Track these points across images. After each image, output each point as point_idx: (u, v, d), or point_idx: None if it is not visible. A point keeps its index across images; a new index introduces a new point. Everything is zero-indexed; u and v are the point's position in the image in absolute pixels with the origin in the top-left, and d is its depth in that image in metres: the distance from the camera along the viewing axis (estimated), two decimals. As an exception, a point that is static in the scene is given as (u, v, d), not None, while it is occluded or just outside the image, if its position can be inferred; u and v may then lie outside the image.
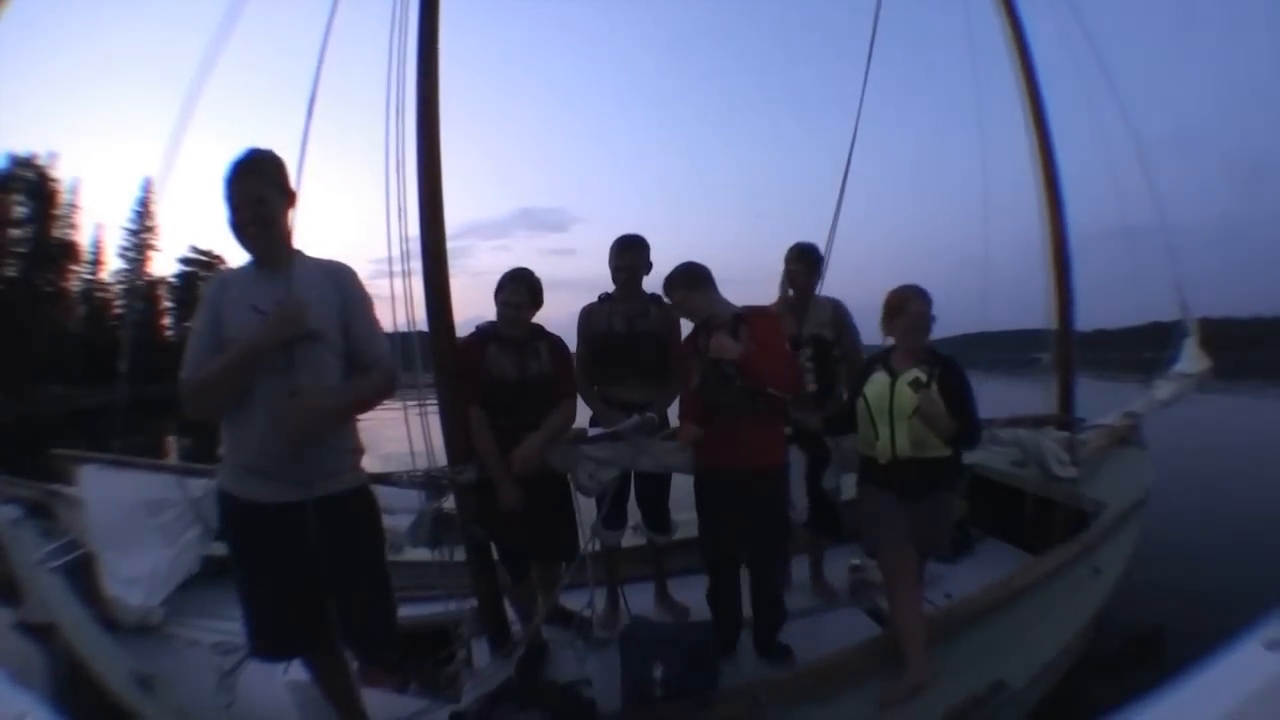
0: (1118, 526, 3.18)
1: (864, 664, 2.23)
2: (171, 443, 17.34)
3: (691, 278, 2.56)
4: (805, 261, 3.11)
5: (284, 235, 1.72)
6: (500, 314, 2.54)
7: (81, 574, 2.34)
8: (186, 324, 56.52)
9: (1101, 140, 4.15)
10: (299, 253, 1.76)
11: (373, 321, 1.81)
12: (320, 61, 1.90)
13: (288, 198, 1.73)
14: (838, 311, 3.15)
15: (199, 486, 2.55)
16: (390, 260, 2.31)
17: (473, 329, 2.64)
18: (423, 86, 2.40)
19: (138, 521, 2.47)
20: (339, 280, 1.76)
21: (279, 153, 1.74)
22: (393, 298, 2.23)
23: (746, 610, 2.69)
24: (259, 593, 1.74)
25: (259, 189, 1.66)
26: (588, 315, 2.91)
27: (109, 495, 2.46)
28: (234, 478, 1.70)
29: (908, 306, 2.48)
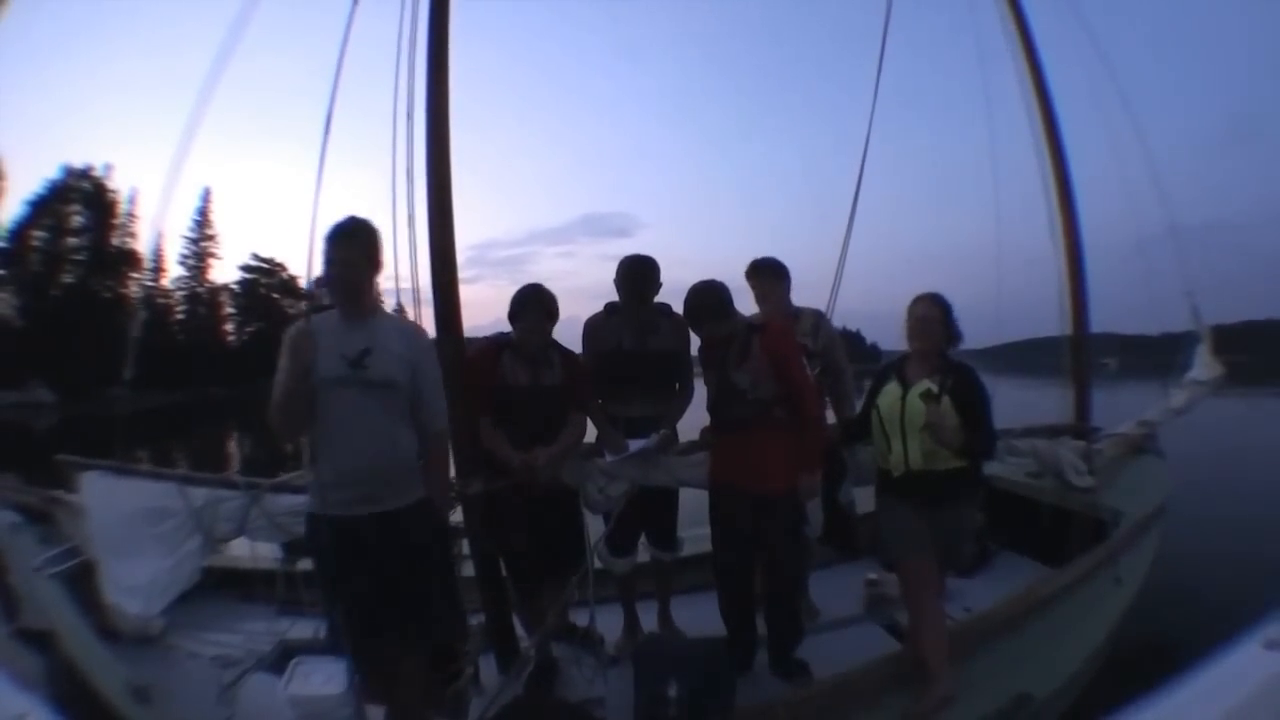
0: (1138, 535, 3.20)
1: (882, 680, 2.26)
2: (232, 443, 18.12)
3: (722, 307, 2.56)
4: (757, 276, 3.08)
5: (366, 294, 2.09)
6: (523, 339, 2.59)
7: (81, 581, 2.39)
8: (249, 329, 55.88)
9: (1119, 146, 4.19)
10: (380, 309, 2.14)
11: (436, 376, 2.18)
12: (336, 81, 2.04)
13: (374, 265, 2.08)
14: (818, 321, 3.14)
15: (200, 496, 2.60)
16: (396, 265, 2.42)
17: (485, 339, 2.69)
18: (433, 87, 2.47)
19: (138, 530, 2.51)
20: (411, 338, 2.15)
21: (367, 218, 2.12)
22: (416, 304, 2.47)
23: (761, 627, 2.73)
24: (337, 595, 2.03)
25: (351, 254, 2.02)
26: (593, 329, 2.91)
27: (110, 502, 2.51)
28: (317, 495, 2.04)
29: (911, 311, 2.53)
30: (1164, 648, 3.28)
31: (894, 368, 2.57)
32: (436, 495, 2.21)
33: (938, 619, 2.41)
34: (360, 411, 1.98)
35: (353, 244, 2.03)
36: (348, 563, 2.00)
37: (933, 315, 2.49)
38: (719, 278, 2.65)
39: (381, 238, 2.10)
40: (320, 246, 2.03)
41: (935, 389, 2.37)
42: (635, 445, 2.69)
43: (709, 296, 2.55)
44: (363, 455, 1.99)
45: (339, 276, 2.03)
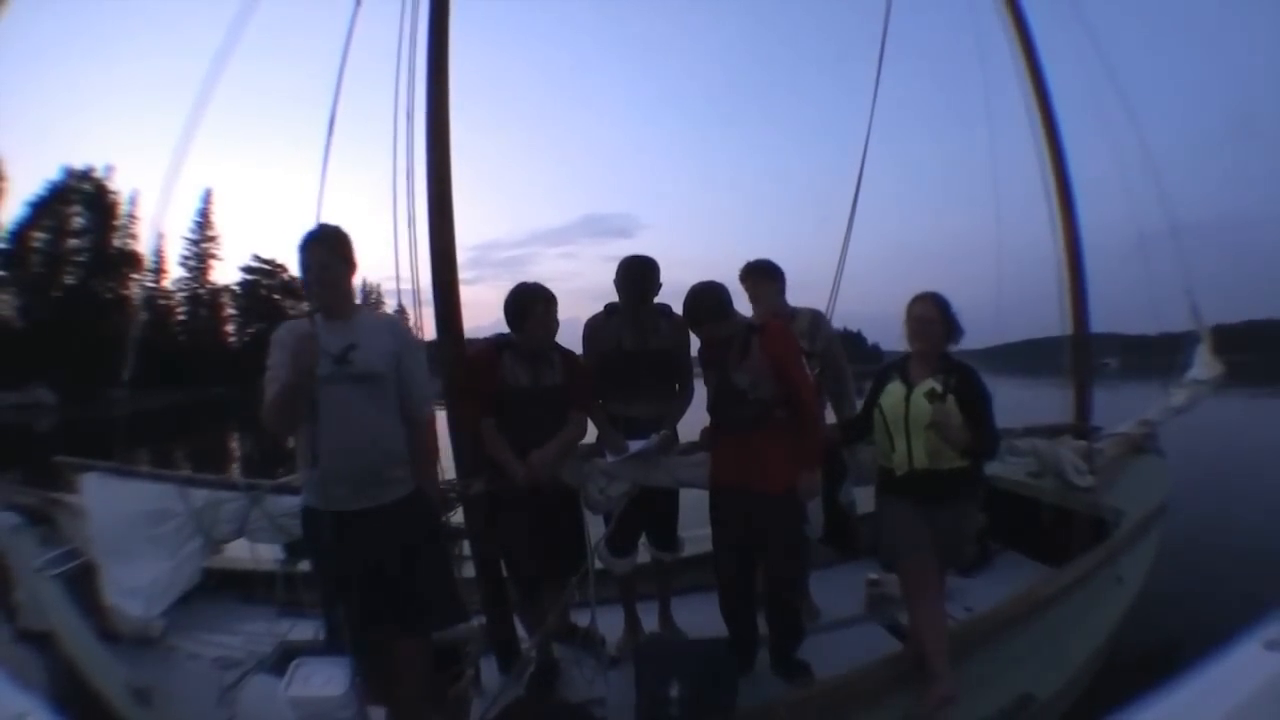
0: (1139, 534, 3.19)
1: (884, 681, 2.26)
2: (234, 444, 18.19)
3: (721, 308, 2.55)
4: (750, 278, 3.07)
5: (345, 294, 2.17)
6: (530, 337, 2.58)
7: (82, 583, 2.39)
8: (250, 330, 56.09)
9: (1117, 147, 4.19)
10: (359, 307, 2.21)
11: (420, 364, 2.24)
12: (339, 83, 2.07)
13: (348, 265, 2.16)
14: (815, 321, 3.12)
15: (201, 497, 2.60)
16: (397, 266, 2.43)
17: (484, 340, 2.69)
18: (433, 87, 2.47)
19: (138, 531, 2.51)
20: (394, 330, 2.21)
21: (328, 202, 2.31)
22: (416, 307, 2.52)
23: (762, 627, 2.72)
24: (337, 589, 2.08)
25: (324, 256, 2.09)
26: (593, 329, 2.90)
27: (110, 504, 2.51)
28: (313, 491, 2.09)
29: (909, 311, 2.53)
30: (1164, 648, 3.28)
31: (896, 367, 2.57)
32: (427, 484, 2.25)
33: (939, 618, 2.40)
34: (350, 406, 2.04)
35: (326, 247, 2.11)
36: (346, 556, 2.04)
37: (930, 315, 2.49)
38: (720, 278, 2.65)
39: (352, 240, 2.17)
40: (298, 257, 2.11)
41: (940, 388, 2.37)
42: (635, 446, 2.69)
43: (708, 297, 2.55)
44: (356, 449, 2.04)
45: (318, 278, 2.09)
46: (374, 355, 2.10)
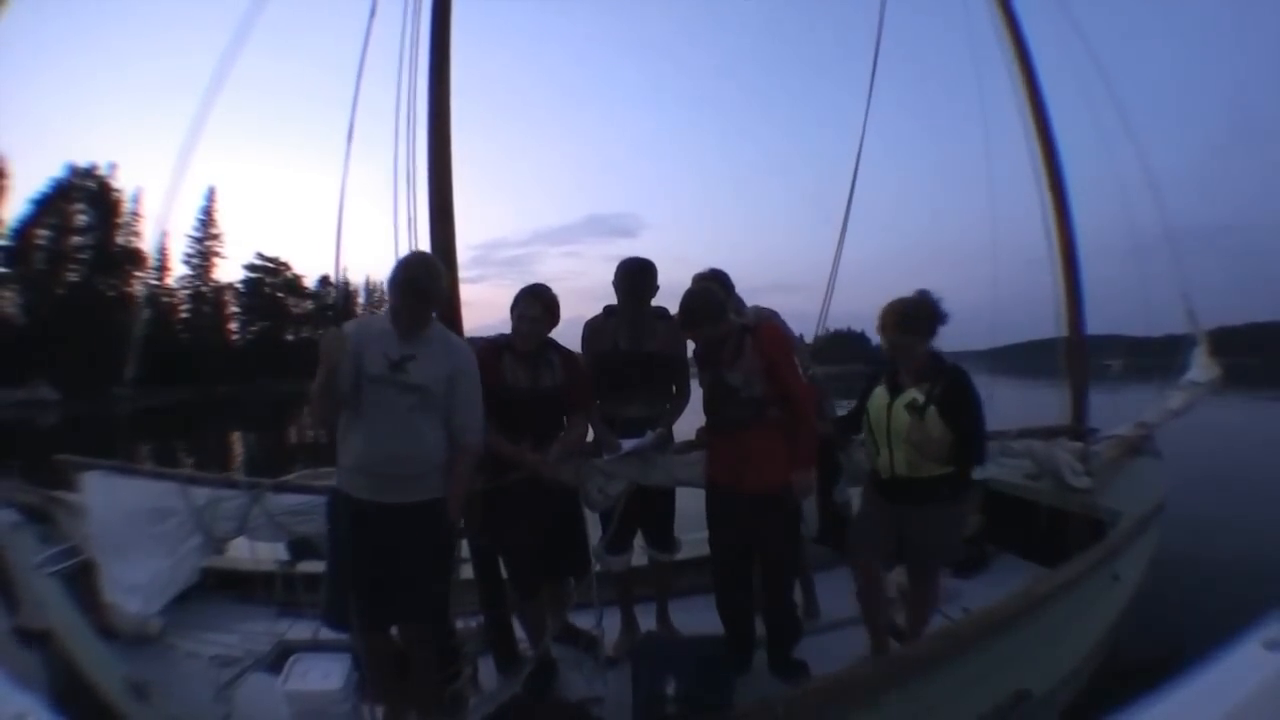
0: (1137, 534, 3.19)
1: (880, 680, 2.25)
2: (236, 442, 18.23)
3: (715, 311, 2.55)
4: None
5: (429, 315, 2.27)
6: (515, 328, 2.59)
7: (81, 580, 2.38)
8: (253, 328, 57.45)
9: (1114, 152, 4.19)
10: (435, 323, 2.30)
11: (472, 392, 2.29)
12: (356, 91, 2.08)
13: (440, 301, 2.28)
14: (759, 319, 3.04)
15: (201, 495, 2.59)
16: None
17: (485, 340, 2.68)
18: (434, 87, 2.47)
19: (138, 529, 2.50)
20: (455, 353, 2.27)
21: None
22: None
23: (760, 628, 2.72)
24: (349, 571, 2.17)
25: (425, 288, 2.18)
26: (591, 330, 2.90)
27: (110, 502, 2.50)
28: (341, 475, 2.19)
29: (880, 333, 2.51)
30: (1164, 648, 3.27)
31: (885, 370, 2.57)
32: (452, 501, 2.27)
33: (882, 613, 2.72)
34: (391, 408, 2.14)
35: (427, 278, 2.18)
36: (357, 543, 2.14)
37: (899, 342, 2.47)
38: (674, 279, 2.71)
39: (443, 270, 2.27)
40: (387, 272, 2.20)
41: (921, 399, 2.36)
42: (629, 444, 2.69)
43: (702, 300, 2.55)
44: (386, 448, 2.13)
45: (411, 305, 2.18)
46: (428, 370, 2.17)
